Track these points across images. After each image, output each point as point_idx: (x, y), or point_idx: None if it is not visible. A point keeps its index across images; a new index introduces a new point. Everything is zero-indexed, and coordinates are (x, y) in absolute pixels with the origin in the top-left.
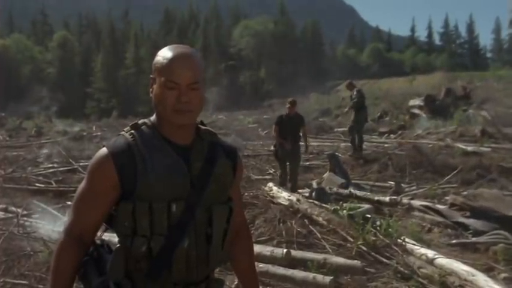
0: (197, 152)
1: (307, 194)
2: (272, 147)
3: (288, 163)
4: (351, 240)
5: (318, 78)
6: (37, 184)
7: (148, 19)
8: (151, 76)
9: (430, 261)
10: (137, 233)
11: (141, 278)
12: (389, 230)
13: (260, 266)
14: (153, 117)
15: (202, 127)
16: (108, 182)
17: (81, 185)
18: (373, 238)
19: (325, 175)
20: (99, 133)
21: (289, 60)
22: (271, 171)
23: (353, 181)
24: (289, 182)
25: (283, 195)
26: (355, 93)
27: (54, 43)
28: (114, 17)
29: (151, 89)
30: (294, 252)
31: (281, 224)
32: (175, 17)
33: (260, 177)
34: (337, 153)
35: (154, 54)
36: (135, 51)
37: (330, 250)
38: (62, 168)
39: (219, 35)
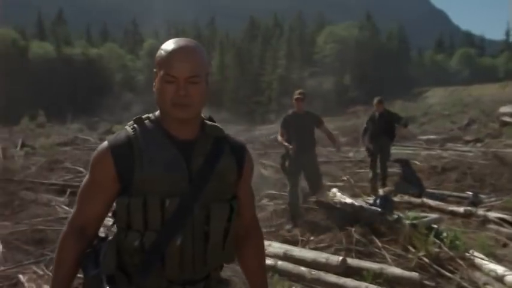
0: (200, 147)
1: (371, 201)
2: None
3: (303, 175)
4: (413, 250)
5: (404, 84)
6: None
7: (234, 27)
8: (154, 70)
9: (500, 278)
10: (131, 227)
11: (135, 272)
12: (456, 242)
13: (312, 273)
14: (157, 112)
15: (209, 122)
16: (107, 174)
17: (85, 178)
18: (437, 250)
19: (397, 183)
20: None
21: (374, 67)
22: (345, 178)
23: (427, 190)
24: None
25: (347, 201)
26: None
27: (143, 51)
28: (200, 25)
29: (154, 83)
30: (350, 261)
31: (341, 231)
32: (259, 24)
33: (332, 183)
34: (410, 161)
35: (239, 61)
36: (220, 59)
37: (389, 260)
38: None
39: (303, 41)
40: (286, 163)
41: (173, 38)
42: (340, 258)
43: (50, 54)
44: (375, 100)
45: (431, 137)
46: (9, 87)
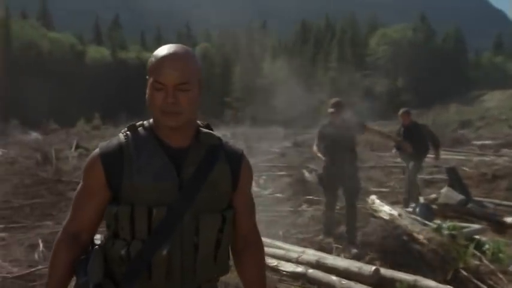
0: (192, 155)
1: (411, 210)
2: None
3: (339, 190)
4: (451, 262)
5: (460, 87)
6: None
7: (285, 30)
8: (146, 77)
9: None
10: (119, 235)
11: (121, 280)
12: (499, 254)
13: (342, 282)
14: (151, 119)
15: (204, 130)
16: (97, 181)
17: (79, 185)
18: (477, 262)
19: (443, 190)
20: (232, 140)
21: (428, 69)
22: (390, 184)
23: (475, 198)
24: (346, 226)
25: (385, 209)
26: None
27: (196, 55)
28: (253, 29)
29: (147, 90)
30: (383, 271)
31: (379, 240)
32: (311, 27)
33: (376, 189)
34: (458, 167)
35: (290, 65)
36: (272, 62)
37: (425, 271)
38: None
39: (355, 43)
40: (323, 176)
41: (226, 41)
42: (373, 268)
43: (106, 58)
44: (401, 111)
45: (487, 142)
46: (66, 91)
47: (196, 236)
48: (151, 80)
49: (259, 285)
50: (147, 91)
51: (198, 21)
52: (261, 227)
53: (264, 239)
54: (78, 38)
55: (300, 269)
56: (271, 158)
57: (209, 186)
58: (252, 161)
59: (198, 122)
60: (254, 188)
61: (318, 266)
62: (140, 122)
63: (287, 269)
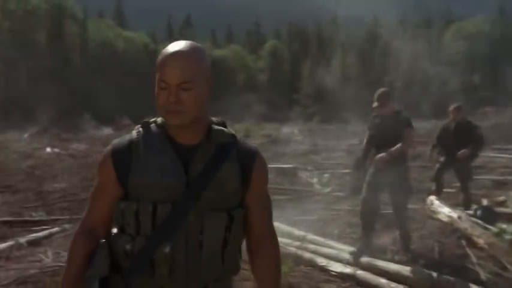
0: (201, 153)
1: (472, 212)
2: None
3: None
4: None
5: None
6: None
7: (355, 27)
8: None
9: None
10: (125, 231)
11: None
12: None
13: (392, 286)
14: None
15: (216, 127)
16: (108, 177)
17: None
18: None
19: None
20: (299, 137)
21: (508, 65)
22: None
23: None
24: (399, 230)
25: (444, 211)
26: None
27: (265, 51)
28: (322, 25)
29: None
30: (436, 276)
31: (435, 243)
32: (382, 23)
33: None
34: None
35: (360, 61)
36: (342, 58)
37: (484, 278)
38: None
39: (429, 39)
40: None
41: (294, 37)
42: (426, 272)
43: None
44: (451, 107)
45: None
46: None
47: (201, 234)
48: (157, 78)
49: (272, 285)
50: (155, 88)
51: (267, 17)
52: (318, 225)
53: (317, 238)
54: (151, 37)
55: (348, 269)
56: (338, 156)
57: (216, 184)
58: (316, 158)
59: (213, 119)
60: (316, 186)
61: (370, 268)
62: (153, 119)
63: (336, 269)
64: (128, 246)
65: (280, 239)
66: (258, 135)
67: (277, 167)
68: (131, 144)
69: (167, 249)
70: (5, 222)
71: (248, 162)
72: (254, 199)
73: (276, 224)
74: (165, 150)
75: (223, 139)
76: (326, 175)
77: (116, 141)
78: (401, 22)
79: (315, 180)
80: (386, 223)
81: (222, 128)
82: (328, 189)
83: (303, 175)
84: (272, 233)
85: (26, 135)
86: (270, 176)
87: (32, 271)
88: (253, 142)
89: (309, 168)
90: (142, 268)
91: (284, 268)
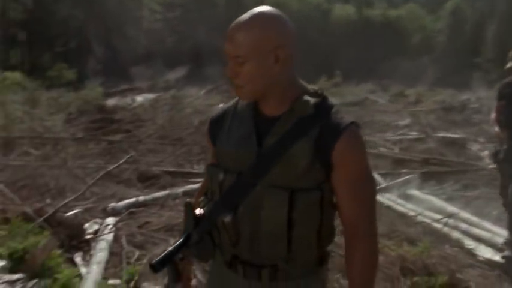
0: (280, 126)
1: None
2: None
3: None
4: None
5: None
6: (380, 148)
7: None
8: None
9: None
10: (207, 193)
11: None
12: None
13: None
14: None
15: (304, 98)
16: (208, 143)
17: None
18: None
19: None
20: (476, 105)
21: None
22: None
23: None
24: None
25: None
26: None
27: (445, 11)
28: None
29: None
30: None
31: None
32: None
33: None
34: None
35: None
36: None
37: None
38: (409, 137)
39: None
40: (500, 155)
41: None
42: None
43: (351, 16)
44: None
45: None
46: (311, 48)
47: (262, 210)
48: None
49: (359, 284)
50: None
51: None
52: (476, 204)
53: (471, 217)
54: None
55: (498, 257)
56: None
57: (286, 160)
58: (491, 129)
59: (309, 87)
60: (486, 160)
61: None
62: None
63: (484, 255)
64: (203, 209)
65: (427, 213)
66: (430, 101)
67: (443, 137)
68: (224, 113)
69: (227, 219)
70: (169, 173)
71: (329, 140)
72: (341, 182)
73: (424, 196)
74: (246, 120)
75: (307, 111)
76: (489, 149)
77: (215, 109)
78: None
79: (485, 153)
80: None
81: (309, 98)
82: (492, 165)
83: (473, 147)
84: (367, 222)
85: (202, 92)
86: (433, 145)
87: (180, 220)
88: (423, 108)
89: (481, 140)
90: (207, 232)
91: (419, 247)
